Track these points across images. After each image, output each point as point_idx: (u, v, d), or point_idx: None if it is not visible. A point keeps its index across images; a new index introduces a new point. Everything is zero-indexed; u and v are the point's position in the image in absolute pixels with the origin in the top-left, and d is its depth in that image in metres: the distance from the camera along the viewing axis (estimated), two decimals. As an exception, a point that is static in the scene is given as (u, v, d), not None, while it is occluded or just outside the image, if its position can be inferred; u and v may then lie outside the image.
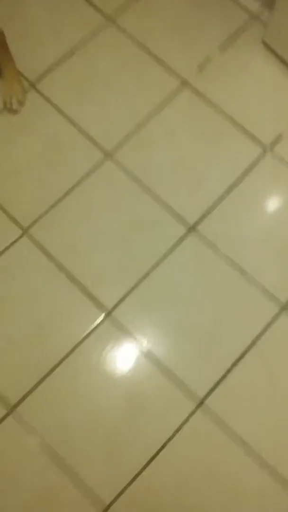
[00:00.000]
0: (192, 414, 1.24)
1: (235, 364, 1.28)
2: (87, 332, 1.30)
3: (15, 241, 1.38)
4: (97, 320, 1.31)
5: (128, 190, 1.43)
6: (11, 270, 1.35)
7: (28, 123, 1.50)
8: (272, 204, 1.43)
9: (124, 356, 1.28)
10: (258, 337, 1.30)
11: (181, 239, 1.38)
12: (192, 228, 1.39)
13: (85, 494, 1.19)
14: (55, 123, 1.50)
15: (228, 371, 1.27)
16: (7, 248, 1.37)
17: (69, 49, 1.57)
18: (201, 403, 1.24)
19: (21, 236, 1.38)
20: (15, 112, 1.50)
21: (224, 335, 1.30)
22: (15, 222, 1.40)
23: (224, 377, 1.27)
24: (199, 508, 1.18)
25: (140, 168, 1.44)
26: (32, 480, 1.19)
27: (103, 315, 1.31)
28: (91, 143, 1.47)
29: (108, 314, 1.31)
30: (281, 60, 1.55)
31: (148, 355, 1.28)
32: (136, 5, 1.63)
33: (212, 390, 1.26)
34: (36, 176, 1.44)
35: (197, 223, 1.39)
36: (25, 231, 1.39)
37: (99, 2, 1.63)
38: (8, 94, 1.49)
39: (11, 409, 1.23)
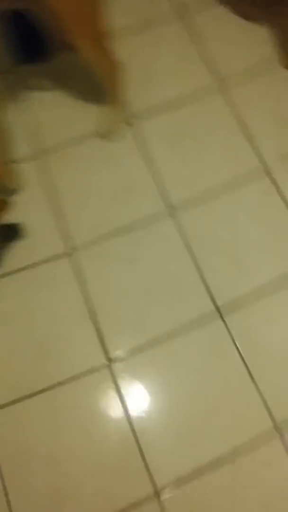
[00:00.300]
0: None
1: (208, 466, 1.23)
2: (82, 370, 1.30)
3: (56, 257, 1.42)
4: (97, 363, 1.31)
5: (176, 251, 1.44)
6: (40, 281, 1.39)
7: (114, 153, 1.55)
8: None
9: (107, 408, 1.27)
10: (239, 448, 1.26)
11: (207, 318, 1.37)
12: (219, 312, 1.38)
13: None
14: (137, 163, 1.54)
15: (200, 472, 1.23)
16: (46, 260, 1.42)
17: (178, 99, 1.63)
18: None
19: (64, 255, 1.42)
20: (106, 139, 1.55)
21: (210, 433, 1.26)
22: (65, 238, 1.44)
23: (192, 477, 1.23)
24: None
25: (195, 236, 1.45)
26: None
27: (104, 360, 1.32)
28: (160, 195, 1.50)
29: (109, 361, 1.31)
30: None
31: (129, 420, 1.27)
32: (254, 81, 1.67)
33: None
34: (100, 204, 1.49)
35: (226, 311, 1.38)
36: (69, 251, 1.42)
37: (223, 66, 1.69)
38: (105, 121, 1.55)
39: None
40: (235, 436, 1.26)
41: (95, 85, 1.50)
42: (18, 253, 1.42)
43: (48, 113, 1.60)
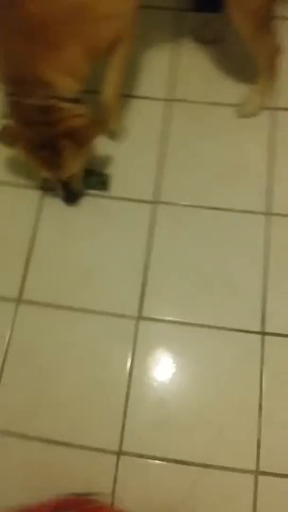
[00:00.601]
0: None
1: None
2: (112, 311, 1.32)
3: (141, 201, 1.43)
4: (128, 313, 1.32)
5: (253, 255, 1.37)
6: (115, 215, 1.42)
7: (241, 133, 1.49)
8: None
9: (116, 355, 1.29)
10: (211, 467, 1.18)
11: (247, 336, 1.31)
12: (263, 335, 1.30)
13: None
14: (259, 152, 1.48)
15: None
16: (130, 199, 1.43)
17: None
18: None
19: (149, 203, 1.43)
20: (242, 117, 1.50)
21: (191, 437, 1.21)
22: (157, 189, 1.44)
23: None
24: None
25: (280, 249, 1.37)
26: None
27: (135, 313, 1.32)
28: (266, 193, 1.43)
29: (138, 318, 1.31)
30: None
31: (130, 376, 1.27)
32: None
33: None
34: (203, 174, 1.46)
35: (270, 338, 1.31)
36: (155, 202, 1.42)
37: None
38: (249, 101, 1.50)
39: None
40: (214, 456, 1.20)
41: (250, 60, 1.42)
42: (112, 182, 1.45)
43: (194, 66, 1.58)
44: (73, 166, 1.27)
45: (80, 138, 1.19)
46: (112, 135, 1.47)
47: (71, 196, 1.39)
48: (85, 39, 1.13)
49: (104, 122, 1.34)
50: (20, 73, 1.12)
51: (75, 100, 1.18)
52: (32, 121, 1.15)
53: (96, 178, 1.43)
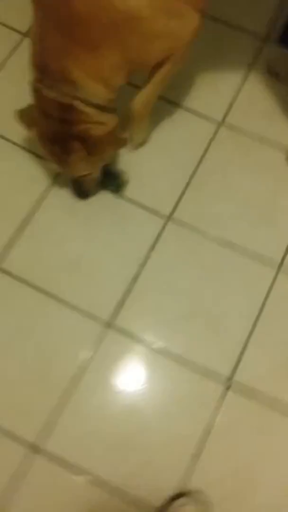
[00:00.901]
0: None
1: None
2: (85, 309, 1.28)
3: (152, 211, 1.38)
4: (103, 315, 1.28)
5: (250, 298, 1.30)
6: (122, 217, 1.38)
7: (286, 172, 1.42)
8: None
9: (73, 348, 1.25)
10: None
11: (213, 378, 1.23)
12: (229, 384, 1.22)
13: None
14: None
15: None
16: (143, 206, 1.39)
17: None
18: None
19: (161, 216, 1.38)
20: None
21: (126, 448, 1.17)
22: (175, 205, 1.39)
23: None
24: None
25: (280, 302, 1.29)
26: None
27: (108, 318, 1.27)
28: None
29: (109, 325, 1.27)
30: None
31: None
32: None
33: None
34: (230, 205, 1.40)
35: (235, 388, 1.22)
36: (167, 217, 1.38)
37: None
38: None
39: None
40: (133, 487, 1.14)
41: None
42: (128, 186, 1.41)
43: (258, 97, 1.51)
44: (81, 169, 1.23)
45: (91, 147, 1.15)
46: (131, 144, 1.42)
47: (80, 193, 1.36)
48: (129, 52, 1.07)
49: (123, 140, 1.27)
50: (49, 64, 1.08)
51: (100, 107, 1.13)
52: (50, 113, 1.12)
53: (112, 179, 1.38)
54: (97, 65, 1.07)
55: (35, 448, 1.16)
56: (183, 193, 1.41)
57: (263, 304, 1.29)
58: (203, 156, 1.45)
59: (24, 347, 1.26)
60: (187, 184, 1.42)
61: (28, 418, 1.19)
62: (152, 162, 1.44)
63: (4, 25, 1.62)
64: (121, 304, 1.29)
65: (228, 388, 1.21)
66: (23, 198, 1.40)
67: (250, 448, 1.17)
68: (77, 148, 1.14)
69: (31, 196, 1.40)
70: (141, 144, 1.43)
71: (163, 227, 1.37)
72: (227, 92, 1.53)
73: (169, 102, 1.49)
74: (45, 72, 1.09)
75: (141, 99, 1.27)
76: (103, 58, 1.06)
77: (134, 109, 1.29)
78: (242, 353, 1.25)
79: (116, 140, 1.22)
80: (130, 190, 1.41)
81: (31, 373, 1.23)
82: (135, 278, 1.32)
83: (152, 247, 1.35)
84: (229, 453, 1.17)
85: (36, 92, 1.13)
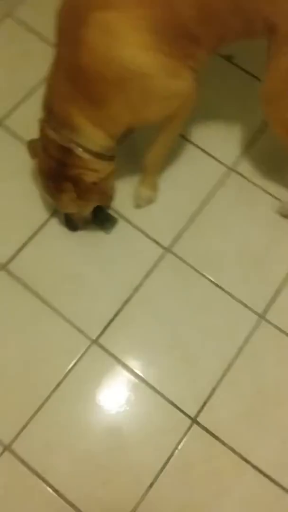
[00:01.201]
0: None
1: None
2: (76, 325, 1.34)
3: (154, 241, 1.44)
4: (89, 332, 1.34)
5: (230, 343, 1.36)
6: (123, 240, 1.44)
7: (281, 228, 1.50)
8: None
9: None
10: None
11: (182, 415, 1.29)
12: (195, 419, 1.28)
13: None
14: None
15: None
16: (146, 234, 1.45)
17: None
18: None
19: (161, 246, 1.44)
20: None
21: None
22: (175, 239, 1.45)
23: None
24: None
25: (258, 351, 1.36)
26: None
27: (93, 337, 1.33)
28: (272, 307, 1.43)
29: (93, 341, 1.33)
30: None
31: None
32: None
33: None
34: (228, 245, 1.47)
35: (201, 420, 1.29)
36: (168, 249, 1.44)
37: None
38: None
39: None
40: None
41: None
42: (136, 212, 1.47)
43: (274, 149, 1.53)
44: (70, 208, 1.29)
45: (81, 191, 1.20)
46: (138, 200, 1.47)
47: (69, 226, 1.41)
48: (133, 109, 1.11)
49: (110, 198, 1.34)
50: (55, 107, 1.13)
51: (98, 155, 1.18)
52: (49, 152, 1.17)
53: (102, 219, 1.42)
54: (99, 116, 1.12)
55: (7, 447, 1.22)
56: (184, 228, 1.47)
57: (240, 350, 1.35)
58: (208, 197, 1.51)
59: (11, 347, 1.32)
60: (190, 221, 1.48)
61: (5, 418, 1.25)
62: (161, 190, 1.49)
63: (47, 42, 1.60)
64: (109, 323, 1.35)
65: (191, 425, 1.27)
66: (37, 213, 1.46)
67: (203, 489, 1.23)
68: (69, 189, 1.20)
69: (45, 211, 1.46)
70: (148, 202, 1.47)
71: (161, 257, 1.43)
72: (243, 137, 1.58)
73: (182, 137, 1.54)
74: (51, 113, 1.15)
75: (151, 157, 1.36)
76: (106, 110, 1.11)
77: (146, 165, 1.38)
78: (210, 394, 1.30)
79: (103, 194, 1.28)
80: (136, 216, 1.47)
81: (13, 373, 1.29)
82: (126, 301, 1.37)
83: (148, 274, 1.41)
84: (181, 489, 1.23)
85: (41, 130, 1.19)
